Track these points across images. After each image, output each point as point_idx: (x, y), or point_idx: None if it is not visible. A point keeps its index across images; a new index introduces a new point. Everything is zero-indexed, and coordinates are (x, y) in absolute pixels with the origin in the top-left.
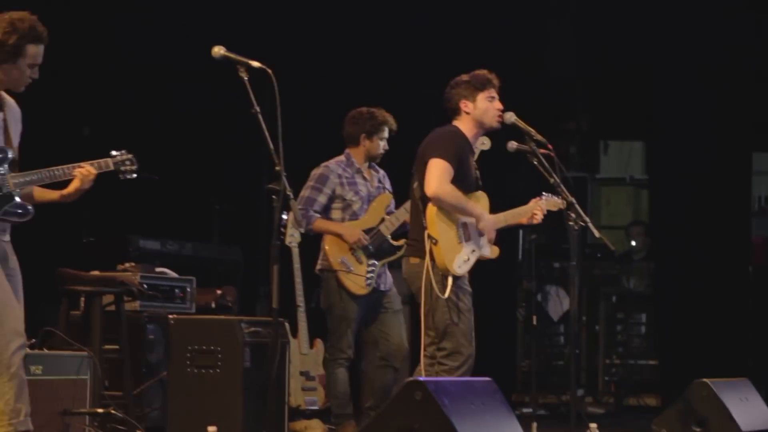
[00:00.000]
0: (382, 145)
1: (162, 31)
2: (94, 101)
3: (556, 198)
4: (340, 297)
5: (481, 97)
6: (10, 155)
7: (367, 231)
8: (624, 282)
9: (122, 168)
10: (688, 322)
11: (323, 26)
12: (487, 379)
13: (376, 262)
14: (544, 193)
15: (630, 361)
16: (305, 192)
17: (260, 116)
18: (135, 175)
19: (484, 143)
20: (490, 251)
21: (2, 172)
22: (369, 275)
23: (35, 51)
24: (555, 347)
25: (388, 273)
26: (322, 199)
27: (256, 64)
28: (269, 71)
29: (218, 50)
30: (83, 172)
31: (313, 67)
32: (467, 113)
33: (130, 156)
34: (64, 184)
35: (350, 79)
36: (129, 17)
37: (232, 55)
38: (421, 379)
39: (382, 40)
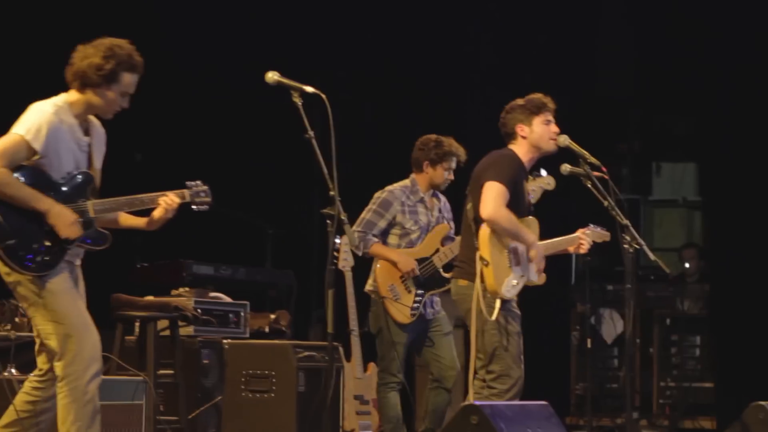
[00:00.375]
0: (445, 175)
1: (215, 56)
2: (145, 127)
3: (601, 230)
4: (387, 323)
5: (537, 121)
6: (92, 182)
7: (420, 260)
8: (678, 304)
9: (197, 199)
10: (743, 344)
11: (377, 50)
12: (542, 402)
13: (423, 292)
14: (591, 224)
15: (685, 383)
16: (366, 215)
17: (314, 141)
18: (208, 207)
19: (549, 183)
20: (538, 278)
21: (85, 198)
22: (415, 305)
23: (130, 80)
24: (609, 370)
25: (436, 298)
26: (382, 224)
27: (309, 89)
28: (323, 96)
29: (272, 76)
30: (168, 201)
31: (364, 91)
32: (523, 137)
33: (205, 188)
34: (144, 211)
35: (405, 104)
36: (182, 42)
37: (286, 81)
38: (477, 403)
39: (437, 63)
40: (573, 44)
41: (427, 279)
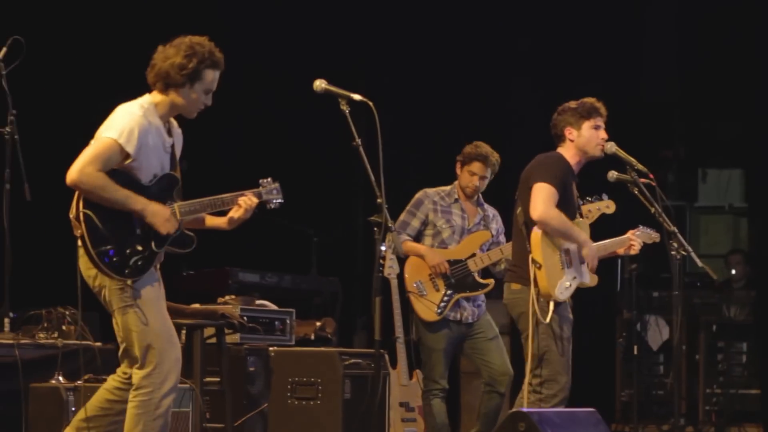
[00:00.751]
0: (470, 179)
1: (262, 63)
2: (191, 135)
3: (651, 231)
4: (421, 329)
5: (587, 126)
6: (178, 184)
7: (453, 262)
8: (724, 311)
9: (270, 197)
10: None
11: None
12: (590, 409)
13: (452, 293)
14: (640, 225)
15: (731, 390)
16: (402, 215)
17: (361, 149)
18: (280, 203)
19: (608, 207)
20: (590, 279)
21: (172, 201)
22: (442, 304)
23: (212, 77)
24: (655, 377)
25: (479, 305)
26: (415, 224)
27: (357, 97)
28: (371, 104)
29: (320, 84)
30: (247, 201)
31: (416, 98)
32: (571, 140)
33: (276, 185)
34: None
35: (452, 111)
36: (229, 50)
37: (334, 89)
38: (524, 410)
39: (483, 69)
40: (618, 49)
41: (458, 281)
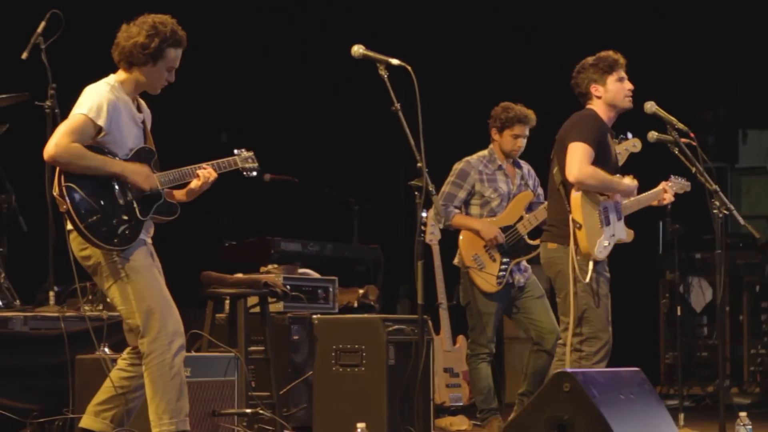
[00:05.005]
0: (514, 142)
1: (299, 31)
2: (231, 106)
3: (683, 180)
4: (474, 294)
5: (611, 80)
6: (154, 156)
7: (504, 229)
8: (767, 271)
9: (246, 165)
10: None
11: (463, 20)
12: (635, 369)
13: (509, 261)
14: (672, 176)
15: None
16: (446, 188)
17: (400, 114)
18: (255, 173)
19: (635, 145)
20: (627, 234)
21: (151, 172)
22: (501, 273)
23: (174, 55)
24: (698, 338)
25: (525, 264)
26: (462, 195)
27: (395, 61)
28: (409, 68)
29: (358, 49)
30: (205, 174)
31: (453, 62)
32: (598, 97)
33: (251, 153)
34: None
35: (491, 73)
36: (266, 20)
37: (372, 54)
38: (569, 370)
39: (518, 31)
40: (658, 10)
41: (511, 247)
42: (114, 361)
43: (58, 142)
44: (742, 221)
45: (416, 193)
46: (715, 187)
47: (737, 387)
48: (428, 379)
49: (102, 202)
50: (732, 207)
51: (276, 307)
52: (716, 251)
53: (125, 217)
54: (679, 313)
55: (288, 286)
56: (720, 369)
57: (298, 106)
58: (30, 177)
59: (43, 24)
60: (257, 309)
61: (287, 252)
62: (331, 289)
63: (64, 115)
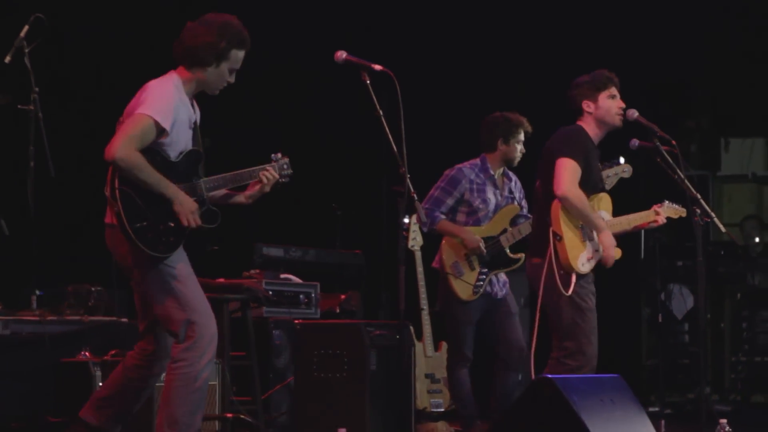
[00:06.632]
0: (518, 149)
1: (283, 36)
2: (213, 111)
3: (677, 206)
4: (451, 301)
5: (603, 97)
6: (202, 160)
7: (486, 239)
8: (749, 279)
9: (283, 172)
10: None
11: (446, 27)
12: (615, 375)
13: (488, 271)
14: (665, 200)
15: (756, 358)
16: (435, 192)
17: (383, 119)
18: (290, 177)
19: (626, 171)
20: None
21: (197, 177)
22: (479, 282)
23: (238, 56)
24: (680, 346)
25: (504, 278)
26: (450, 202)
27: (378, 67)
28: (391, 74)
29: (341, 55)
30: (268, 176)
31: (433, 69)
32: (589, 113)
33: (286, 159)
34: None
35: (472, 80)
36: (249, 23)
37: (354, 59)
38: (549, 376)
39: (503, 40)
40: (641, 19)
41: (492, 258)
42: (96, 364)
43: (124, 146)
44: (723, 229)
45: (399, 199)
46: (696, 195)
47: (718, 394)
48: (409, 384)
49: (152, 207)
50: (713, 215)
51: (258, 312)
52: (698, 259)
53: (171, 224)
54: (660, 320)
55: (270, 291)
56: (701, 376)
57: (280, 111)
58: (11, 180)
59: (26, 28)
60: (239, 314)
61: (270, 257)
62: (313, 295)
63: (47, 118)
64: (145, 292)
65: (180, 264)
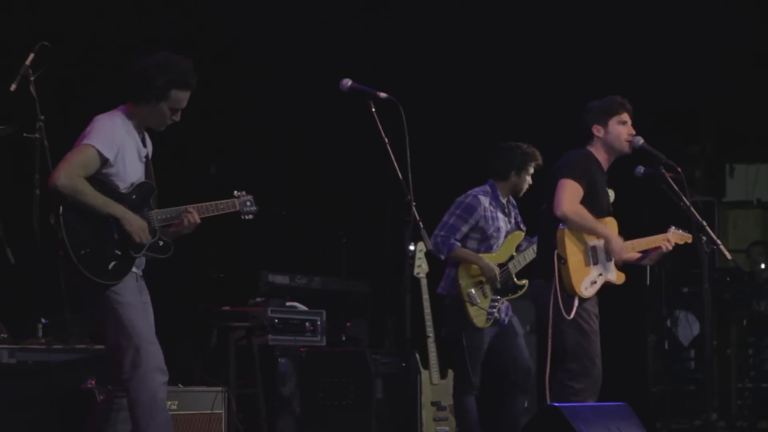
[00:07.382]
0: (528, 181)
1: (288, 64)
2: (219, 138)
3: (683, 232)
4: (465, 327)
5: (613, 122)
6: (154, 192)
7: (498, 266)
8: (754, 305)
9: (245, 209)
10: None
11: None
12: (621, 403)
13: (498, 298)
14: (672, 227)
15: (763, 384)
16: (450, 219)
17: (389, 147)
18: (252, 216)
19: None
20: (616, 277)
21: (149, 208)
22: (491, 310)
23: (181, 96)
24: (686, 372)
25: (508, 303)
26: (464, 229)
27: (383, 95)
28: (397, 102)
29: (346, 82)
30: (189, 219)
31: (438, 96)
32: (599, 137)
33: (250, 197)
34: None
35: (478, 107)
36: (255, 52)
37: (360, 87)
38: (556, 404)
39: (509, 66)
40: (646, 45)
41: (503, 285)
42: (101, 393)
43: (65, 173)
44: (729, 256)
45: (404, 226)
46: (702, 221)
47: (724, 421)
48: (416, 412)
49: (96, 236)
50: (719, 241)
51: (263, 339)
52: (704, 285)
53: (117, 252)
54: (666, 346)
55: (275, 319)
56: (708, 402)
57: (286, 138)
58: (17, 209)
59: (31, 56)
60: (245, 342)
61: (275, 285)
62: (318, 322)
63: (53, 147)
64: (94, 321)
65: (126, 291)
